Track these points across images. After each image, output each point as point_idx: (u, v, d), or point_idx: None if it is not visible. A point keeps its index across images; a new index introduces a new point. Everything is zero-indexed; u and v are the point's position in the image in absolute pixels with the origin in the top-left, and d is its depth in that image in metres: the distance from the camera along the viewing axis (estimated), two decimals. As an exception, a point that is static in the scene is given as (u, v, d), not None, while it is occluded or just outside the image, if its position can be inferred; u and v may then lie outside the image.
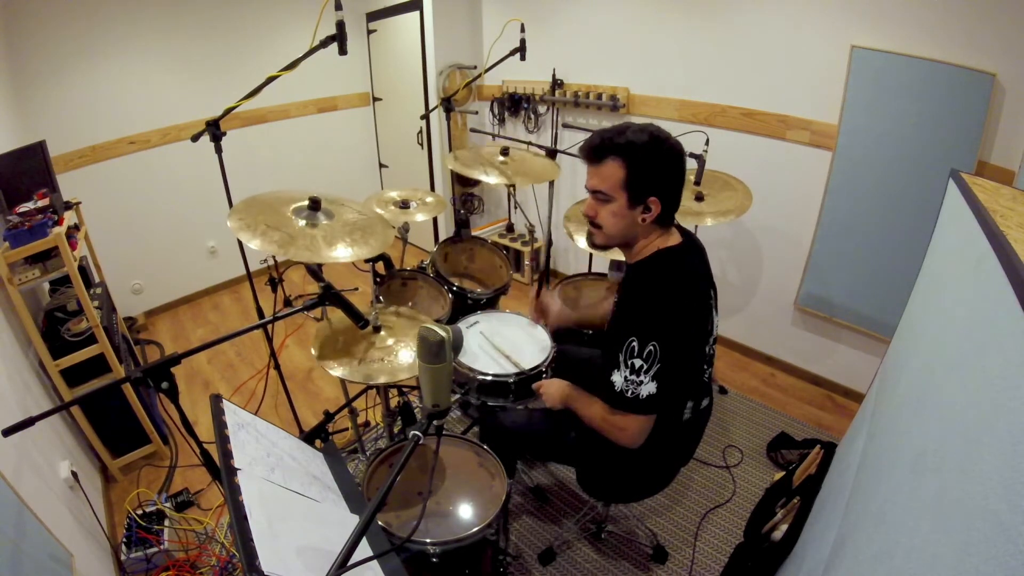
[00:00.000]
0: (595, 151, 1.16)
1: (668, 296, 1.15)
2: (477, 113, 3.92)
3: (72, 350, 1.96)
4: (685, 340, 1.16)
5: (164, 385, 1.03)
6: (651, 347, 1.11)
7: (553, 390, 1.44)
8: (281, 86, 1.73)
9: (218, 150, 1.69)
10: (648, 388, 1.14)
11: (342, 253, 1.41)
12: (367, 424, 2.45)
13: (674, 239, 1.23)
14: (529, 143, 2.71)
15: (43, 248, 1.87)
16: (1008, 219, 0.87)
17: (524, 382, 1.58)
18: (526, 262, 3.70)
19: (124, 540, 1.74)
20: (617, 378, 1.17)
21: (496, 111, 3.72)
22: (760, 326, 2.86)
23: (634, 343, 1.13)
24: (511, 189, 2.68)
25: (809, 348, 2.69)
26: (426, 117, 3.65)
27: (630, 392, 1.15)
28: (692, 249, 1.26)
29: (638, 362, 1.13)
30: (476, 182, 3.92)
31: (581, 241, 2.05)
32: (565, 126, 3.27)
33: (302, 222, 1.46)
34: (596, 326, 1.78)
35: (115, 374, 2.09)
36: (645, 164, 1.13)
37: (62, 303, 2.14)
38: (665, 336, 1.12)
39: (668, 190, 1.16)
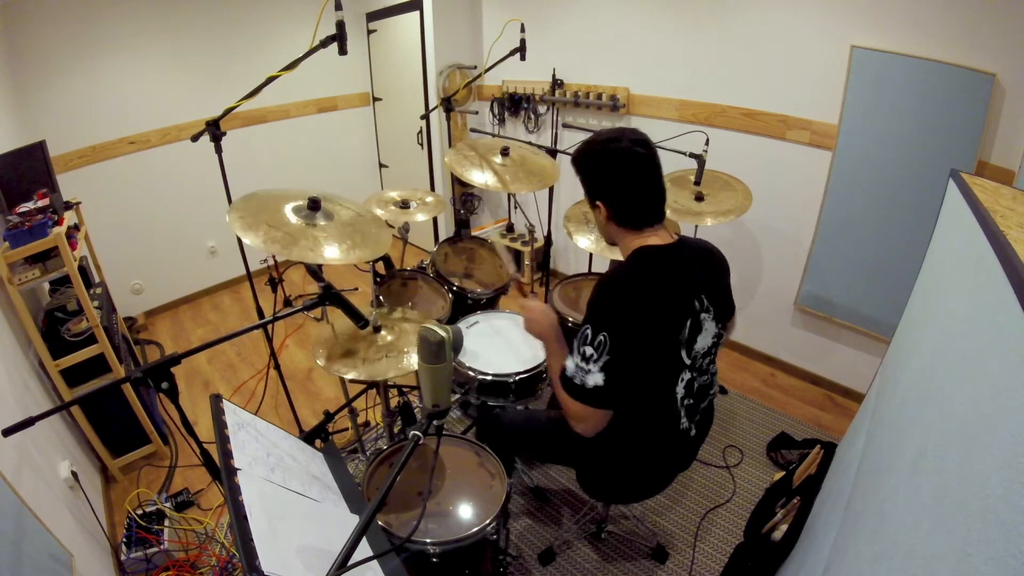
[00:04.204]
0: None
1: (625, 290, 1.15)
2: (477, 113, 3.92)
3: (72, 350, 1.96)
4: (638, 337, 1.13)
5: (164, 385, 1.03)
6: (602, 337, 1.12)
7: (540, 319, 1.35)
8: (281, 86, 1.73)
9: (218, 150, 1.69)
10: (595, 378, 1.14)
11: (335, 255, 1.39)
12: (367, 424, 2.45)
13: (661, 239, 1.21)
14: (529, 143, 2.71)
15: (43, 248, 1.87)
16: (1008, 219, 0.87)
17: (524, 382, 1.59)
18: (526, 262, 3.70)
19: (124, 540, 1.74)
20: (569, 363, 1.18)
21: (496, 111, 3.72)
22: (760, 326, 2.85)
23: (588, 331, 1.14)
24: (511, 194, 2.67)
25: (809, 348, 2.69)
26: (426, 117, 3.65)
27: (578, 379, 1.16)
28: (683, 251, 1.24)
29: (588, 350, 1.14)
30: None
31: (581, 241, 2.06)
32: (565, 126, 3.27)
33: (302, 221, 1.46)
34: None
35: (115, 374, 2.09)
36: (583, 171, 1.23)
37: (62, 303, 2.14)
38: (616, 329, 1.11)
39: (612, 194, 1.20)
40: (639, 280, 1.17)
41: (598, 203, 1.22)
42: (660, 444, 1.32)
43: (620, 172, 1.18)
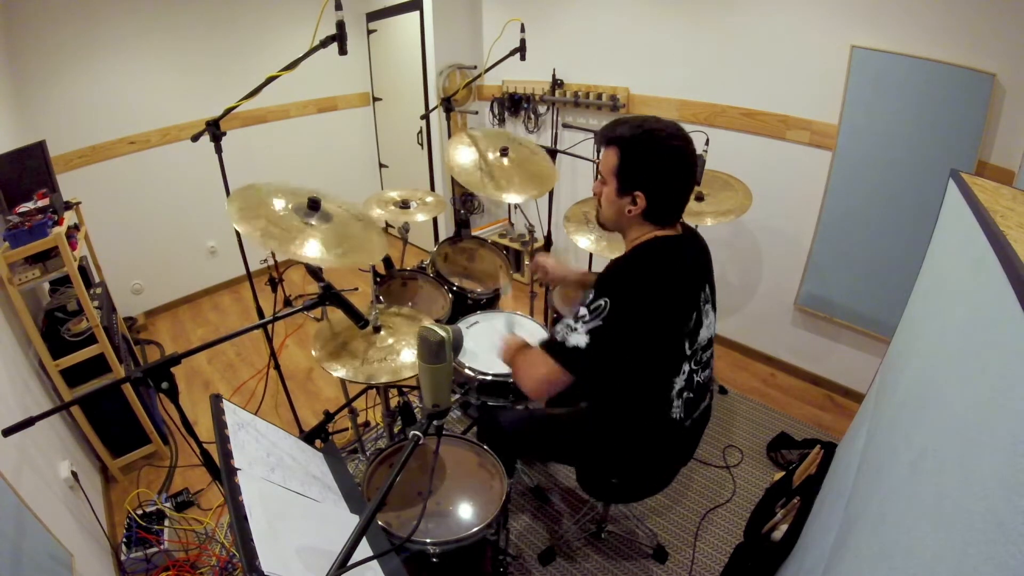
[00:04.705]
0: (603, 137, 1.20)
1: (642, 270, 1.14)
2: (477, 113, 3.92)
3: (72, 350, 1.96)
4: (641, 314, 1.11)
5: (164, 385, 1.03)
6: (602, 302, 1.09)
7: (506, 345, 1.37)
8: (281, 86, 1.73)
9: (218, 150, 1.69)
10: (577, 339, 1.11)
11: (325, 256, 1.39)
12: (367, 424, 2.45)
13: (672, 232, 1.21)
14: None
15: (43, 248, 1.87)
16: (1008, 219, 0.87)
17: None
18: (526, 262, 3.70)
19: (124, 540, 1.74)
20: (560, 326, 1.16)
21: (496, 111, 3.72)
22: (760, 326, 2.85)
23: (590, 294, 1.12)
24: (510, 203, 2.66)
25: (809, 348, 2.69)
26: (426, 117, 3.65)
27: (560, 335, 1.14)
28: (689, 242, 1.24)
29: (583, 311, 1.12)
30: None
31: (581, 241, 2.06)
32: (565, 126, 3.27)
33: (300, 220, 1.46)
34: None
35: (115, 374, 2.09)
36: (634, 157, 1.14)
37: (62, 303, 2.14)
38: (620, 298, 1.09)
39: (657, 187, 1.14)
40: (656, 266, 1.15)
41: (637, 193, 1.14)
42: (656, 436, 1.31)
43: (676, 169, 1.14)
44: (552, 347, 1.16)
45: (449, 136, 2.83)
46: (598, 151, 1.24)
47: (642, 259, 1.16)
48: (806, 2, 2.20)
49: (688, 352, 1.22)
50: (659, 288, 1.13)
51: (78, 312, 2.06)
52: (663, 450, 1.39)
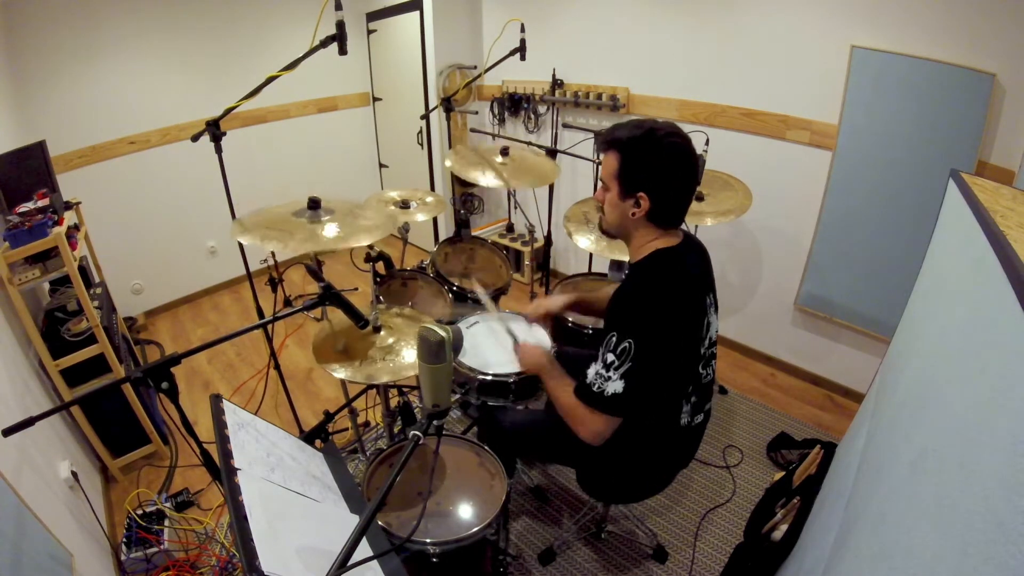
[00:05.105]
0: (603, 142, 1.19)
1: (654, 296, 1.13)
2: (477, 113, 3.92)
3: (72, 350, 1.96)
4: (665, 344, 1.12)
5: (164, 385, 1.03)
6: (626, 344, 1.10)
7: (529, 353, 1.40)
8: (281, 86, 1.73)
9: (218, 150, 1.69)
10: (614, 386, 1.12)
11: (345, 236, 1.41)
12: (367, 424, 2.45)
13: (674, 240, 1.21)
14: (529, 143, 2.71)
15: (43, 248, 1.87)
16: (1008, 219, 0.87)
17: (524, 382, 1.58)
18: (526, 262, 3.70)
19: (124, 540, 1.74)
20: (591, 370, 1.17)
21: (496, 111, 3.72)
22: (760, 326, 2.85)
23: (613, 338, 1.13)
24: (511, 189, 2.68)
25: (809, 348, 2.69)
26: (426, 117, 3.65)
27: (596, 386, 1.15)
28: (691, 250, 1.24)
29: (610, 357, 1.12)
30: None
31: (581, 241, 2.06)
32: (565, 126, 3.27)
33: (304, 221, 1.46)
34: (597, 308, 1.74)
35: (115, 374, 2.09)
36: (636, 158, 1.13)
37: (62, 303, 2.14)
38: (643, 336, 1.10)
39: (660, 187, 1.13)
40: (668, 286, 1.15)
41: (641, 194, 1.13)
42: (662, 441, 1.32)
43: (677, 167, 1.13)
44: (593, 400, 1.16)
45: (450, 137, 2.84)
46: (598, 155, 1.24)
47: (650, 285, 1.16)
48: (806, 2, 2.20)
49: (701, 358, 1.24)
50: (674, 311, 1.14)
51: (78, 312, 2.06)
52: (667, 454, 1.39)
